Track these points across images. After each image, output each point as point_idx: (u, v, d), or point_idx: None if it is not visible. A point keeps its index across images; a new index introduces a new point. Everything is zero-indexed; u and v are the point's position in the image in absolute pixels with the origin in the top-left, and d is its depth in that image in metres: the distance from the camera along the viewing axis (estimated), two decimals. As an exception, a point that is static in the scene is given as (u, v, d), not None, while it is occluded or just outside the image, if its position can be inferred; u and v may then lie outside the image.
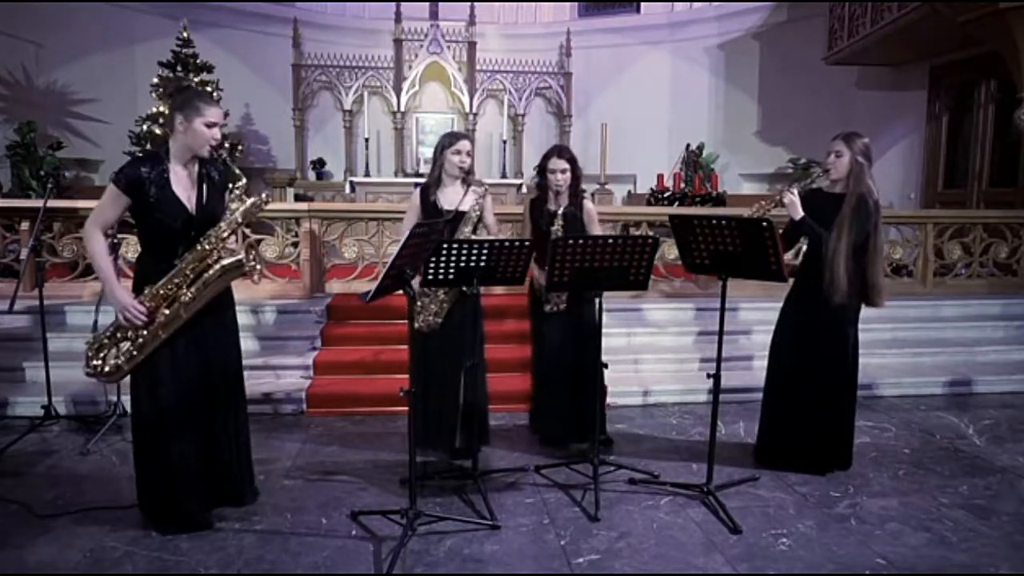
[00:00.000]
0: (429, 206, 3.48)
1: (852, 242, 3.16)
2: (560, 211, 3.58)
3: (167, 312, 2.61)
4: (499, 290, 5.01)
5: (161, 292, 2.61)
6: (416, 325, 3.34)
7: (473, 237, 3.40)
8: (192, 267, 2.62)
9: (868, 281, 3.24)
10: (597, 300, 3.18)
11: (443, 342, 3.42)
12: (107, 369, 2.68)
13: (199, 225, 2.67)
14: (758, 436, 3.65)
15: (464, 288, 3.32)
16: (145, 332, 2.62)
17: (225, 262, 2.63)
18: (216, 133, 2.68)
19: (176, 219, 2.64)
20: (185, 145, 2.67)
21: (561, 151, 3.64)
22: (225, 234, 2.65)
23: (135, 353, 2.64)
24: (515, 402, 4.31)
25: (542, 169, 3.65)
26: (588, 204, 3.71)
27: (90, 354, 2.69)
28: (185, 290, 2.61)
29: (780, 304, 3.53)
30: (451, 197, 3.48)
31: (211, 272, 2.62)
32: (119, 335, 2.65)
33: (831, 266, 3.17)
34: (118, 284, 2.67)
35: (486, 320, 4.30)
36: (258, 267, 2.74)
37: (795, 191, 3.28)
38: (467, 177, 3.51)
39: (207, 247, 2.63)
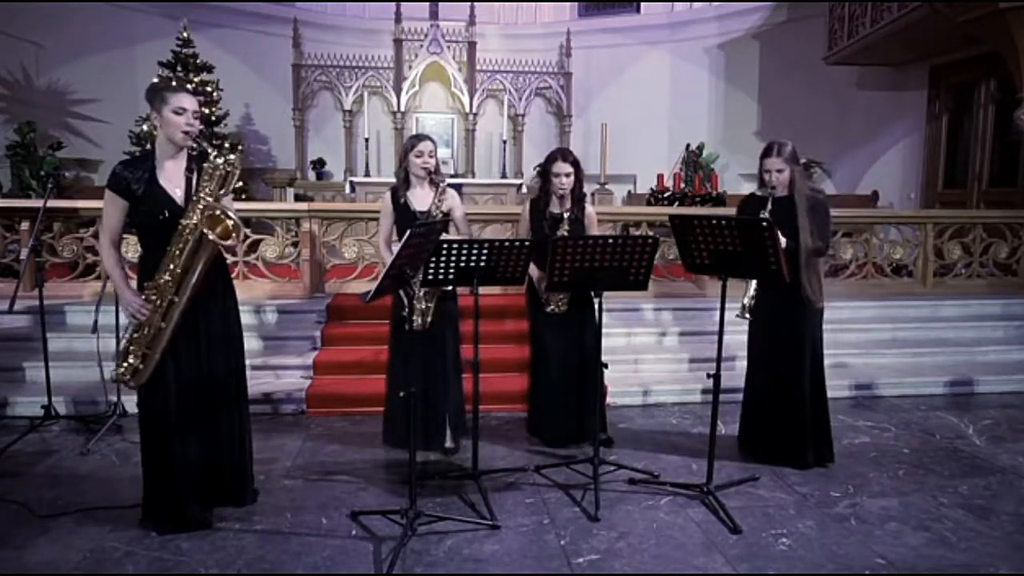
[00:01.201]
0: (400, 208, 3.55)
1: (817, 246, 3.32)
2: (567, 215, 3.59)
3: (154, 298, 2.62)
4: (499, 290, 5.01)
5: (161, 283, 2.61)
6: (407, 327, 3.37)
7: (452, 236, 3.42)
8: (178, 249, 2.61)
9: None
10: (597, 300, 3.19)
11: (427, 342, 3.48)
12: (129, 374, 2.68)
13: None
14: (739, 428, 3.75)
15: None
16: (148, 327, 2.62)
17: (197, 233, 2.57)
18: (189, 119, 2.63)
19: (163, 210, 2.63)
20: (164, 138, 2.68)
21: (565, 154, 3.65)
22: (200, 207, 2.58)
23: (147, 351, 2.65)
24: (514, 402, 4.31)
25: (545, 172, 3.66)
26: (589, 208, 3.76)
27: (117, 361, 2.71)
28: (166, 274, 2.60)
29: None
30: (421, 198, 3.56)
31: (186, 249, 2.59)
32: (135, 336, 2.67)
33: (806, 274, 3.30)
34: (126, 285, 2.68)
35: (486, 320, 4.31)
36: (231, 221, 2.59)
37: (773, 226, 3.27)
38: (434, 177, 3.57)
39: (184, 226, 2.59)
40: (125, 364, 2.67)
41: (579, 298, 3.60)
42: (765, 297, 3.43)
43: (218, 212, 2.58)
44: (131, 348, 2.66)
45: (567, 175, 3.58)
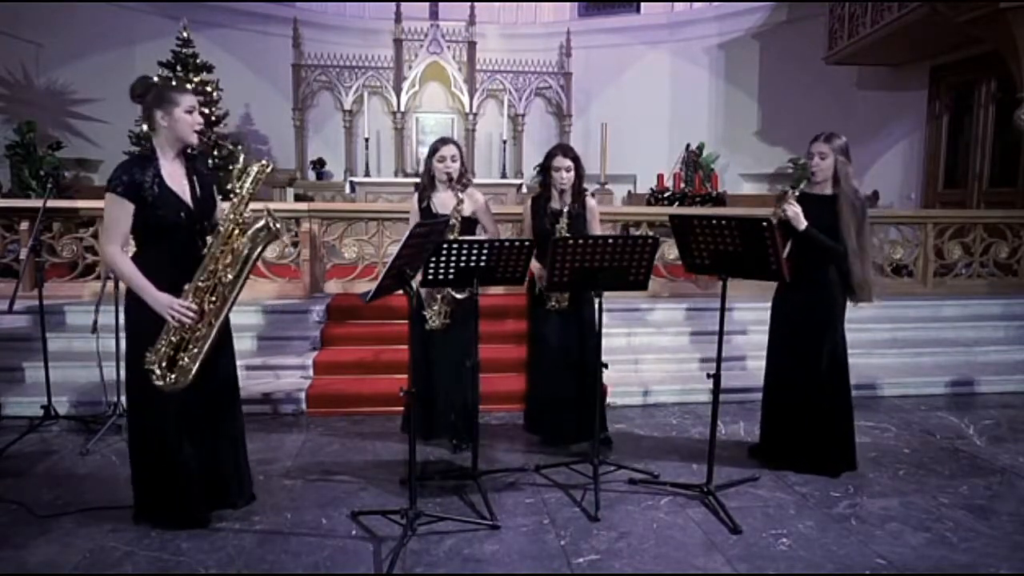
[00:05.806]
0: (424, 211, 3.61)
1: (863, 242, 3.24)
2: (566, 209, 3.59)
3: (213, 299, 2.60)
4: (499, 290, 5.01)
5: (201, 285, 2.59)
6: (428, 326, 3.49)
7: (473, 237, 3.43)
8: (222, 250, 2.60)
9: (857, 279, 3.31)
10: (597, 300, 3.18)
11: (446, 341, 3.53)
12: (177, 377, 2.59)
13: (199, 216, 2.69)
14: (760, 435, 3.65)
15: (454, 291, 3.39)
16: (199, 327, 2.59)
17: (253, 228, 2.60)
18: (198, 117, 2.70)
19: (177, 213, 2.63)
20: (172, 137, 2.67)
21: (565, 150, 3.64)
22: (241, 208, 2.61)
23: (196, 349, 2.61)
24: (516, 402, 4.30)
25: (546, 168, 3.66)
26: (591, 201, 3.74)
27: (157, 372, 2.57)
28: (223, 271, 2.60)
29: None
30: (446, 202, 3.57)
31: (241, 244, 2.60)
32: (174, 339, 2.59)
33: (856, 270, 3.22)
34: (155, 289, 2.57)
35: (486, 320, 4.31)
36: (278, 225, 2.68)
37: (795, 203, 3.24)
38: (458, 181, 3.55)
39: (229, 227, 2.60)
40: (169, 370, 2.58)
41: (579, 295, 3.60)
42: (785, 294, 3.42)
43: (275, 219, 2.65)
44: (171, 352, 2.58)
45: (567, 170, 3.58)
